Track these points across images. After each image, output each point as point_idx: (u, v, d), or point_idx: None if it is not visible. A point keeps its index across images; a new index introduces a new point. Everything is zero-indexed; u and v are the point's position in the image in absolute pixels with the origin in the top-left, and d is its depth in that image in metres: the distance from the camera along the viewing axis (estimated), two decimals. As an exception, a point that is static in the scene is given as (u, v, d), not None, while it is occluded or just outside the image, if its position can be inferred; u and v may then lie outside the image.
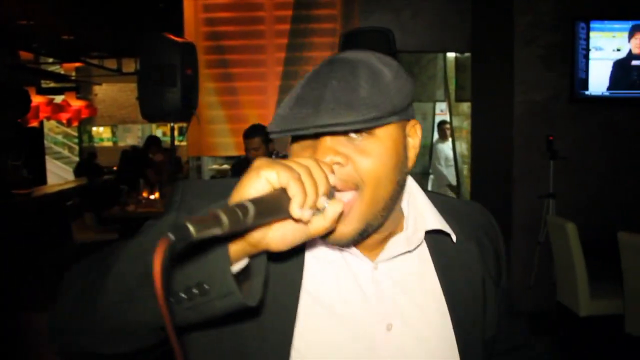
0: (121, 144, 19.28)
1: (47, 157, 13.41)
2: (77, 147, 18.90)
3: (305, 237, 0.77)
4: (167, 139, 19.91)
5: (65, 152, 17.81)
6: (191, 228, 0.57)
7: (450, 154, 7.67)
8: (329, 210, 0.76)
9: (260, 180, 0.70)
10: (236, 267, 0.74)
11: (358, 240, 0.90)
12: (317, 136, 0.88)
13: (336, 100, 0.84)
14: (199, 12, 5.19)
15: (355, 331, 0.93)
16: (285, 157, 0.89)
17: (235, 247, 0.72)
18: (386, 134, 0.89)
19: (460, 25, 5.64)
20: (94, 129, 19.47)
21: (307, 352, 0.91)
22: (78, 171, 11.83)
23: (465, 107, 8.32)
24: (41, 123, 12.65)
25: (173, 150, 4.52)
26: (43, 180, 11.48)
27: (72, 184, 10.52)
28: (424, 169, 8.01)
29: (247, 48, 5.20)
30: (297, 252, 0.90)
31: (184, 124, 4.82)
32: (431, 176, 7.97)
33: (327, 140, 0.87)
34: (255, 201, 0.66)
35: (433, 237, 1.02)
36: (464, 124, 8.80)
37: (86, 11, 9.55)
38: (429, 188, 8.01)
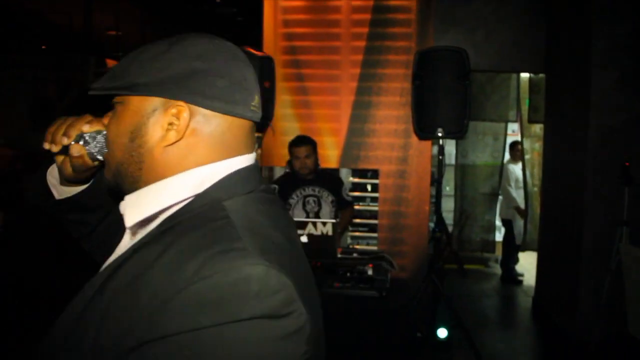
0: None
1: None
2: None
3: (70, 166, 1.09)
4: (238, 148, 20.50)
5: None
6: None
7: (521, 175, 7.55)
8: (70, 149, 1.05)
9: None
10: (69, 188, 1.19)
11: (116, 191, 1.01)
12: None
13: (109, 70, 0.99)
14: (278, 27, 5.36)
15: None
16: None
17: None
18: (130, 104, 0.94)
19: (535, 45, 5.61)
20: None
21: None
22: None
23: (538, 128, 8.20)
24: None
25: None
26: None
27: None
28: (493, 190, 7.91)
29: (323, 63, 5.33)
30: None
31: (259, 135, 4.98)
32: (499, 197, 7.85)
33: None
34: None
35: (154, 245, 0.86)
36: (535, 146, 8.66)
37: (169, 23, 10.00)
38: (497, 209, 7.91)
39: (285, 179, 4.52)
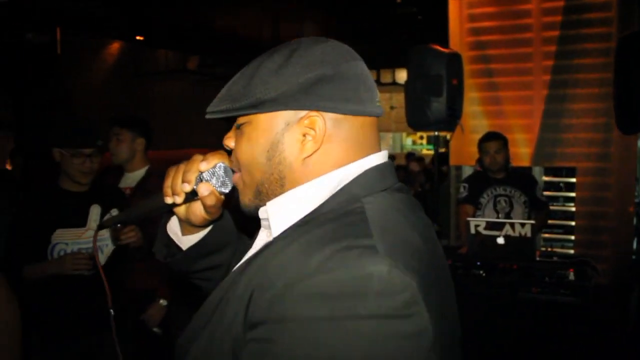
0: (373, 151, 20.24)
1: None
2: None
3: (203, 210, 1.08)
4: (417, 147, 20.39)
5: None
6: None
7: None
8: (199, 190, 1.03)
9: None
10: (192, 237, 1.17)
11: (255, 212, 1.00)
12: None
13: (224, 90, 0.97)
14: (464, 22, 5.24)
15: None
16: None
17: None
18: (259, 123, 0.92)
19: None
20: (349, 136, 20.74)
21: None
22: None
23: None
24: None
25: (436, 158, 4.62)
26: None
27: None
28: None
29: (513, 57, 5.10)
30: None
31: (447, 134, 4.91)
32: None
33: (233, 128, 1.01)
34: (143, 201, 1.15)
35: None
36: None
37: (348, 26, 10.26)
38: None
39: (475, 178, 4.40)
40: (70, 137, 2.60)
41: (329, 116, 0.91)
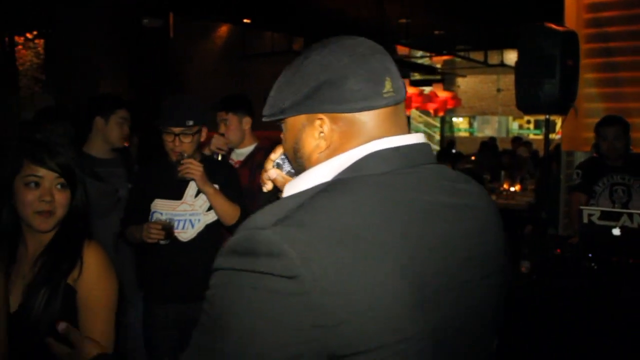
0: (478, 134, 19.62)
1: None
2: (436, 136, 19.94)
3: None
4: (523, 131, 19.61)
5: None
6: None
7: None
8: (269, 175, 1.26)
9: None
10: None
11: None
12: None
13: (268, 98, 1.14)
14: (581, -2, 4.94)
15: None
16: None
17: None
18: (287, 125, 1.11)
19: None
20: (454, 119, 20.24)
21: None
22: (439, 158, 12.59)
23: None
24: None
25: (547, 143, 4.40)
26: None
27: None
28: None
29: (636, 34, 4.74)
30: None
31: (556, 118, 4.67)
32: None
33: None
34: None
35: None
36: None
37: (458, 8, 9.99)
38: None
39: (590, 165, 4.14)
40: (162, 114, 2.70)
41: (337, 116, 1.05)
